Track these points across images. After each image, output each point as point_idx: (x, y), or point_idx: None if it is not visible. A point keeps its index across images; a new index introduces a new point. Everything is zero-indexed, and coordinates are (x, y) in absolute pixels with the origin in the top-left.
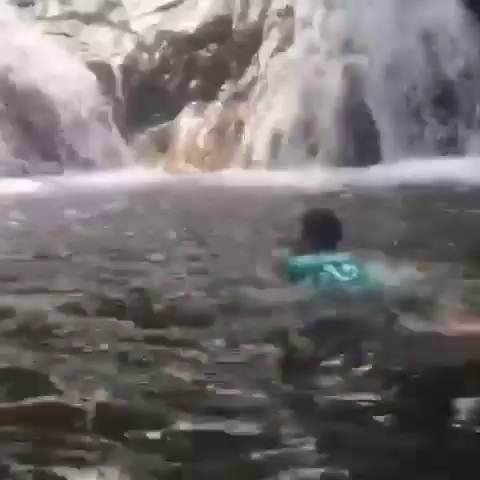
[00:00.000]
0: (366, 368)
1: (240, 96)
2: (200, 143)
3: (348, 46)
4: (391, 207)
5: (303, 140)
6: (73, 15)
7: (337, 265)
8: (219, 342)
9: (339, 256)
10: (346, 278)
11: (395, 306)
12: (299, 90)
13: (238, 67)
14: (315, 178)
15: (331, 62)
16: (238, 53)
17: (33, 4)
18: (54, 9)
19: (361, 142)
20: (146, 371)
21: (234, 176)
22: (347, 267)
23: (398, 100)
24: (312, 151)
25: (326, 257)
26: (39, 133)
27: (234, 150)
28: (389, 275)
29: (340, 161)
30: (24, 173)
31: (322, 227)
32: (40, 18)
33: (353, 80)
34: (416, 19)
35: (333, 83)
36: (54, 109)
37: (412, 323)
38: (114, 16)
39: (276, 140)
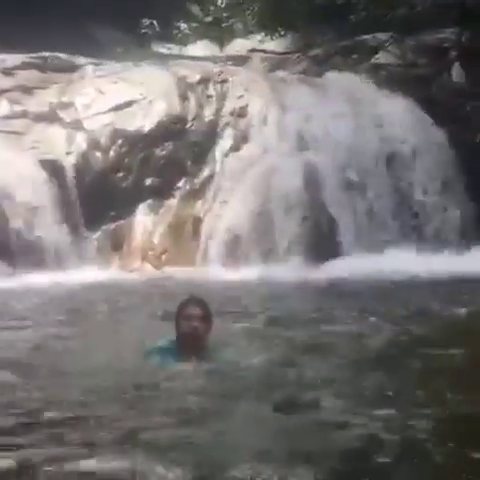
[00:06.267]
0: None
1: (196, 194)
2: (156, 241)
3: (303, 144)
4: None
5: (260, 238)
6: (24, 114)
7: None
8: None
9: None
10: None
11: None
12: (255, 188)
13: (194, 165)
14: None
15: (287, 160)
16: (193, 151)
17: None
18: (4, 109)
19: (319, 238)
20: None
21: (190, 274)
22: None
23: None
24: (269, 248)
25: None
26: None
27: (191, 248)
28: None
29: (299, 257)
30: None
31: None
32: None
33: (310, 178)
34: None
35: (289, 181)
36: (4, 208)
37: None
38: (66, 115)
39: (233, 238)
